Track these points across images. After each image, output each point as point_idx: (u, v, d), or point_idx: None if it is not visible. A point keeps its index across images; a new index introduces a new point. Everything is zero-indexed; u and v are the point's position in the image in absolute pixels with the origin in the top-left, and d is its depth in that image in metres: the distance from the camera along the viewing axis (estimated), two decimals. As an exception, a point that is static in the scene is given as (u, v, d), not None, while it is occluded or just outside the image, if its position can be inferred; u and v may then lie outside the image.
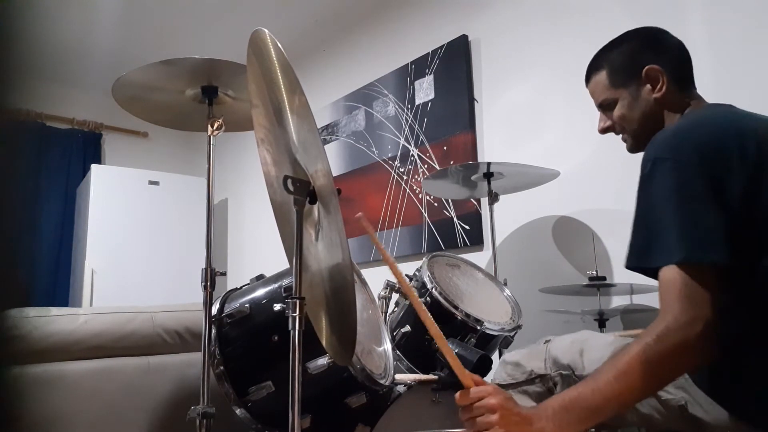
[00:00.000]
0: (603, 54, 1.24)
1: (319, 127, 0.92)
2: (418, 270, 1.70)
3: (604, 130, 1.26)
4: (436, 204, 2.76)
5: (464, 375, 0.99)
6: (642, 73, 1.16)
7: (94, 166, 3.72)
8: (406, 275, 1.74)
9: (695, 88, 1.19)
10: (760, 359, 0.91)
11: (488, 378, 1.42)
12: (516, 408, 0.93)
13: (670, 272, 0.90)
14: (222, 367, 1.35)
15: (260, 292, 1.43)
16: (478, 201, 2.58)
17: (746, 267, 0.90)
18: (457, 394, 0.96)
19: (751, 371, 0.92)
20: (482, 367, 1.42)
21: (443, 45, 2.81)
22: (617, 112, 1.20)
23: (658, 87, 1.15)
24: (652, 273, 0.96)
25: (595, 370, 0.95)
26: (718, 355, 0.89)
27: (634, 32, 1.23)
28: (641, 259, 0.96)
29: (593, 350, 1.14)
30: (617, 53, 1.21)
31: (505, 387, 1.22)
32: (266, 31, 1.00)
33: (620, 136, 1.25)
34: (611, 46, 1.24)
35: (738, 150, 0.92)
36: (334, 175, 1.00)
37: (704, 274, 0.88)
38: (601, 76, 1.22)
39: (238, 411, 1.35)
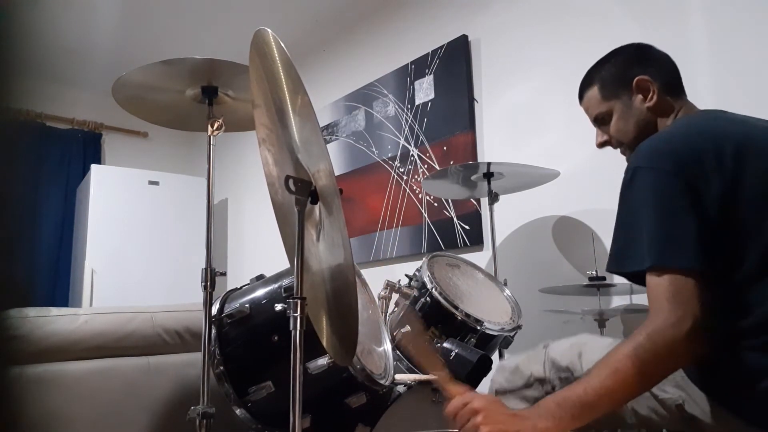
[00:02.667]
0: (593, 71, 1.28)
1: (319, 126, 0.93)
2: (418, 270, 1.70)
3: (601, 145, 1.29)
4: (436, 204, 2.76)
5: (449, 386, 1.05)
6: (632, 84, 1.19)
7: (94, 166, 3.72)
8: (406, 275, 1.74)
9: (686, 96, 1.21)
10: (749, 357, 0.91)
11: (486, 382, 1.42)
12: (502, 408, 0.97)
13: (655, 275, 0.93)
14: (222, 367, 1.35)
15: (260, 292, 1.43)
16: (478, 201, 2.58)
17: (727, 269, 0.92)
18: (446, 406, 1.01)
19: (743, 369, 0.92)
20: (482, 367, 1.42)
21: (443, 45, 2.81)
22: (613, 125, 1.23)
23: (650, 96, 1.18)
24: (630, 277, 1.00)
25: (588, 368, 0.96)
26: (707, 352, 0.91)
27: (620, 49, 1.27)
28: (618, 264, 1.00)
29: (592, 352, 1.14)
30: (606, 68, 1.25)
31: (503, 393, 1.22)
32: (269, 30, 1.00)
33: (618, 150, 1.27)
34: (600, 63, 1.27)
35: (714, 156, 0.95)
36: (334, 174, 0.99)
37: (686, 276, 0.90)
38: (593, 91, 1.26)
39: (238, 411, 1.35)
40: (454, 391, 1.03)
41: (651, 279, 0.93)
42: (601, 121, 1.26)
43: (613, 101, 1.22)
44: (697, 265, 0.90)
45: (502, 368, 1.29)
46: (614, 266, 1.01)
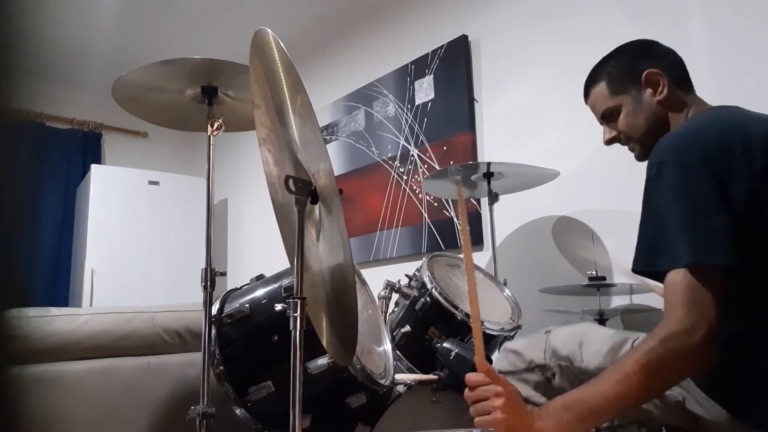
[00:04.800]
0: (598, 67, 1.25)
1: (319, 126, 0.93)
2: (418, 270, 1.70)
3: (609, 142, 1.25)
4: (436, 204, 2.76)
5: (482, 361, 1.00)
6: (642, 77, 1.16)
7: (94, 166, 3.72)
8: (406, 275, 1.74)
9: (695, 91, 1.19)
10: (756, 358, 0.91)
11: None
12: (521, 402, 0.95)
13: (676, 276, 0.90)
14: (222, 367, 1.35)
15: (260, 292, 1.43)
16: (478, 201, 2.58)
17: (749, 268, 0.90)
18: (470, 375, 0.97)
19: (748, 370, 0.92)
20: (482, 367, 1.42)
21: (443, 45, 2.81)
22: (622, 119, 1.20)
23: (660, 90, 1.15)
24: (659, 277, 0.96)
25: (599, 374, 0.95)
26: (719, 358, 0.89)
27: (625, 45, 1.25)
28: (648, 263, 0.96)
29: (592, 343, 1.14)
30: (613, 63, 1.22)
31: (505, 374, 1.23)
32: (269, 30, 1.00)
33: (627, 146, 1.25)
34: (605, 60, 1.25)
35: (743, 152, 0.92)
36: (334, 175, 0.98)
37: (709, 277, 0.88)
38: (600, 87, 1.23)
39: (238, 411, 1.35)
40: (484, 366, 0.98)
41: (672, 279, 0.90)
42: (609, 117, 1.23)
43: (622, 96, 1.19)
44: (732, 262, 0.88)
45: (505, 350, 1.29)
46: (642, 266, 0.96)
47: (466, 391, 0.97)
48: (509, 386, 0.95)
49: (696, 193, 0.92)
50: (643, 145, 1.19)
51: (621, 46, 1.25)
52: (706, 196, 0.91)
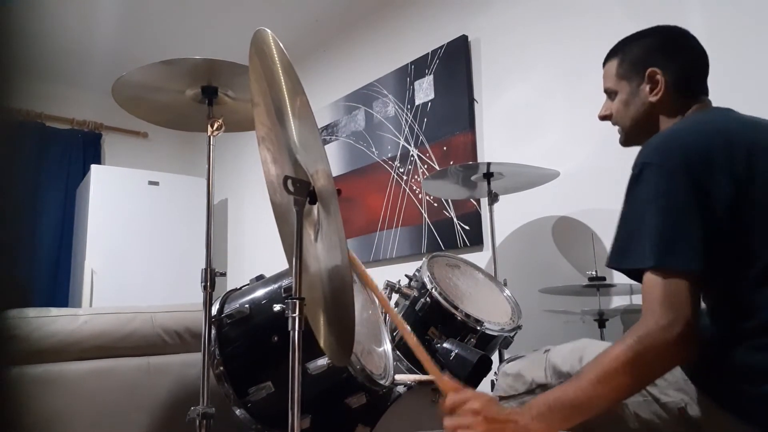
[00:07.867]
0: (625, 42, 1.25)
1: (318, 127, 0.92)
2: (418, 270, 1.70)
3: (603, 117, 1.27)
4: (435, 204, 2.76)
5: (443, 381, 1.03)
6: (645, 72, 1.17)
7: (94, 166, 3.72)
8: (406, 275, 1.74)
9: (705, 95, 1.19)
10: (752, 358, 0.91)
11: (487, 383, 1.42)
12: (498, 408, 0.96)
13: (652, 276, 0.92)
14: (222, 368, 1.35)
15: (260, 293, 1.43)
16: (478, 201, 2.58)
17: (734, 270, 0.92)
18: (441, 402, 0.99)
19: (746, 369, 0.92)
20: (482, 367, 1.42)
21: (443, 45, 2.81)
22: (615, 104, 1.23)
23: (656, 90, 1.16)
24: (629, 273, 0.99)
25: (580, 368, 0.96)
26: (698, 354, 0.91)
27: (659, 29, 1.24)
28: (618, 260, 0.99)
29: (592, 357, 1.14)
30: (635, 45, 1.22)
31: (506, 399, 1.22)
32: (269, 31, 1.00)
33: (616, 126, 1.27)
34: (634, 37, 1.24)
35: (725, 157, 0.94)
36: (333, 175, 0.99)
37: (683, 279, 0.90)
38: (613, 64, 1.24)
39: (238, 411, 1.35)
40: (449, 386, 1.02)
41: (648, 279, 0.92)
42: (611, 94, 1.25)
43: (624, 82, 1.21)
44: (698, 267, 0.90)
45: (504, 374, 1.28)
46: (614, 262, 1.00)
47: (445, 420, 0.98)
48: (482, 398, 0.97)
49: (673, 196, 0.93)
50: (626, 134, 1.23)
51: (654, 29, 1.24)
52: (682, 200, 0.92)
